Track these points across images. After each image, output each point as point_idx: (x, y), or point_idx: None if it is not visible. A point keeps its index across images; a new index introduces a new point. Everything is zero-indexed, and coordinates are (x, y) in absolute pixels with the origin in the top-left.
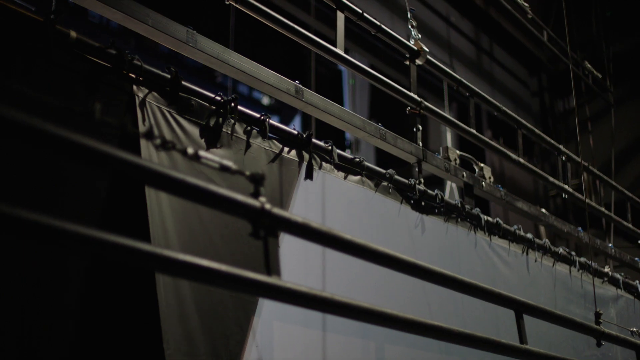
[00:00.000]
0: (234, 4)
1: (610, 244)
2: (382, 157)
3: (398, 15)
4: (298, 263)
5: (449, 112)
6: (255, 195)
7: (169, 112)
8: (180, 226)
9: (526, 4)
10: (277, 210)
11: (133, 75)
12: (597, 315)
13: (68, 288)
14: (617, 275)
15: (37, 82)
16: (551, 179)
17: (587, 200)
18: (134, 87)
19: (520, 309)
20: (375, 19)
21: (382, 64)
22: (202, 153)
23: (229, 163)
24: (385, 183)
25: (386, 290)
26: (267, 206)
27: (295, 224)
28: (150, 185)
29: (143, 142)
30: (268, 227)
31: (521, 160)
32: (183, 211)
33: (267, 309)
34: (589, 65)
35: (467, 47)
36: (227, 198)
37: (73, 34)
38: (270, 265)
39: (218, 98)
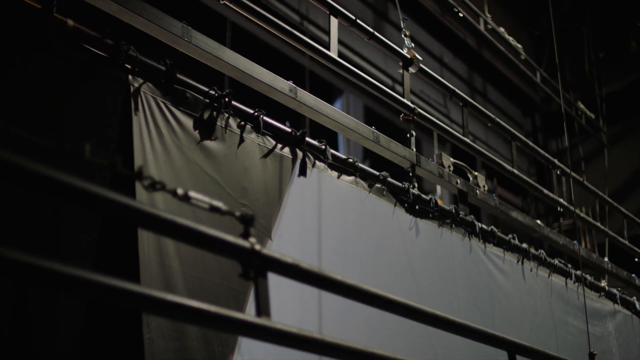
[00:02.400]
0: (228, 3)
1: (606, 259)
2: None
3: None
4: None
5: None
6: (245, 236)
7: (163, 102)
8: (171, 211)
9: (519, 45)
10: (267, 251)
11: (129, 66)
12: (591, 357)
13: None
14: (614, 290)
15: (34, 69)
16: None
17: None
18: (130, 77)
19: (513, 349)
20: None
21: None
22: (192, 194)
23: (218, 204)
24: (378, 185)
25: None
26: (257, 247)
27: (285, 265)
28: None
29: (136, 131)
30: (258, 268)
31: (515, 171)
32: (174, 203)
33: None
34: (582, 106)
35: (461, 87)
36: (217, 239)
37: (70, 22)
38: (261, 305)
39: (212, 92)
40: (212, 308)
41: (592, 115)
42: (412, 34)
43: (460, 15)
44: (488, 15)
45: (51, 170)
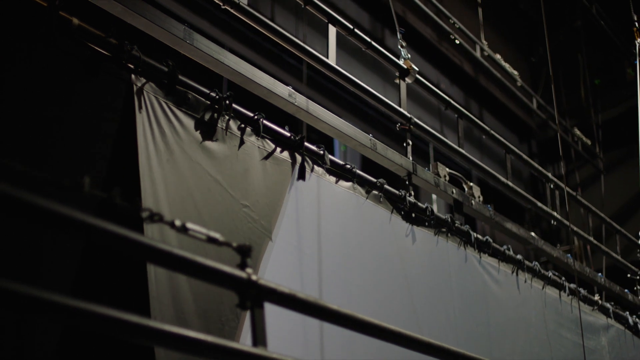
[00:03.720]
0: (229, 9)
1: (600, 274)
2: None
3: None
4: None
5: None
6: (242, 266)
7: (165, 102)
8: (175, 209)
9: (515, 72)
10: (263, 281)
11: (131, 66)
12: None
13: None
14: (607, 305)
15: (39, 62)
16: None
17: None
18: (133, 76)
19: None
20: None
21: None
22: (189, 225)
23: (215, 235)
24: (376, 192)
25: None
26: (254, 277)
27: (282, 295)
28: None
29: (140, 129)
30: (254, 298)
31: (509, 183)
32: (176, 197)
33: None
34: (578, 132)
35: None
36: (214, 269)
37: (75, 20)
38: (257, 335)
39: (213, 94)
40: (209, 338)
41: (589, 142)
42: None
43: (457, 42)
44: (484, 42)
45: (36, 198)
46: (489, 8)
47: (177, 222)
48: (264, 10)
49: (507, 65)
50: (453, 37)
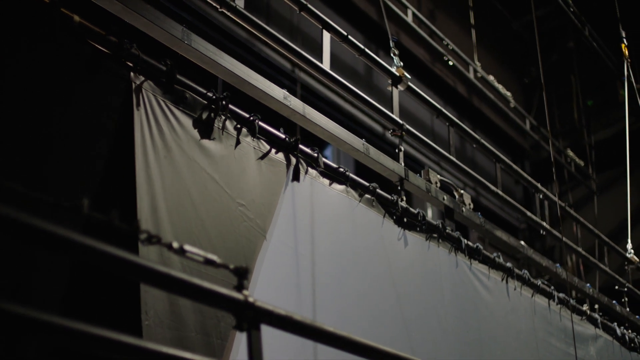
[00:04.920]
0: (226, 12)
1: (588, 284)
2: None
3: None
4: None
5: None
6: (239, 288)
7: (163, 101)
8: (171, 205)
9: (508, 93)
10: (260, 303)
11: (130, 64)
12: None
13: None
14: (595, 315)
15: (41, 61)
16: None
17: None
18: (132, 74)
19: None
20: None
21: None
22: (187, 247)
23: (213, 257)
24: (368, 195)
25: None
26: (251, 299)
27: (279, 317)
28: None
29: (137, 126)
30: (251, 320)
31: (499, 192)
32: (173, 193)
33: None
34: (571, 153)
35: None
36: (211, 291)
37: (76, 18)
38: (254, 357)
39: (210, 94)
40: (197, 357)
41: (582, 163)
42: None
43: (450, 63)
44: (477, 63)
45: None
46: (482, 29)
47: (175, 245)
48: (259, 16)
49: (500, 87)
50: (446, 59)
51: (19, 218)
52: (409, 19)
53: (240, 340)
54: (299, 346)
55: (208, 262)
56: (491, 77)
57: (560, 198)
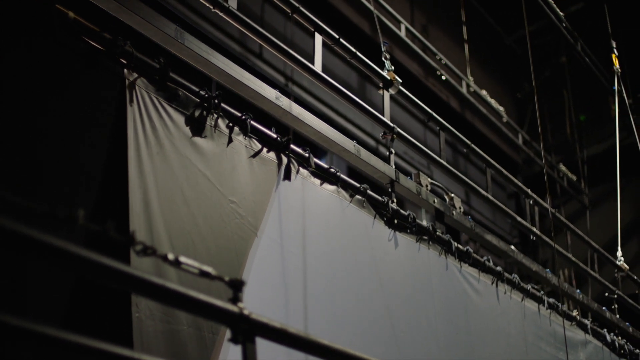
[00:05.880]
0: (219, 12)
1: (578, 290)
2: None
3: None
4: None
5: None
6: (234, 300)
7: (156, 98)
8: (163, 200)
9: (501, 108)
10: (255, 316)
11: (124, 61)
12: None
13: None
14: (585, 321)
15: (37, 52)
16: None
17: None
18: (125, 70)
19: None
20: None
21: None
22: (182, 259)
23: (208, 269)
24: (359, 197)
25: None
26: (246, 312)
27: (273, 330)
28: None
29: (130, 121)
30: (246, 333)
31: (489, 196)
32: (166, 188)
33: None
34: (564, 168)
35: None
36: (206, 304)
37: (71, 14)
38: None
39: (202, 93)
40: None
41: (574, 178)
42: (396, 96)
43: (443, 78)
44: (470, 78)
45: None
46: (475, 44)
47: (170, 256)
48: (253, 18)
49: (493, 101)
50: (439, 73)
51: (11, 228)
52: (402, 33)
53: None
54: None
55: (203, 274)
56: (484, 92)
57: (553, 223)
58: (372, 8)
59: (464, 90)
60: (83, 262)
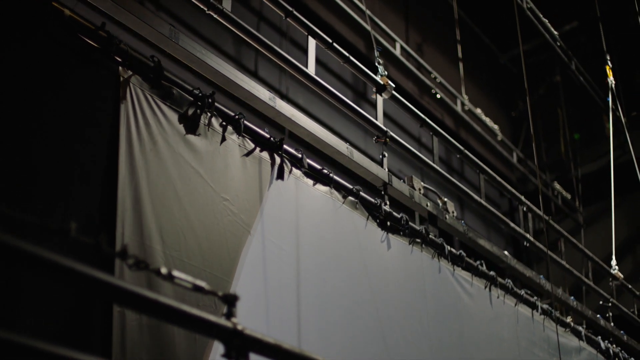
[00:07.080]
0: (213, 14)
1: (572, 297)
2: None
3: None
4: None
5: None
6: (228, 316)
7: (151, 96)
8: (155, 196)
9: (496, 126)
10: (249, 331)
11: (119, 59)
12: None
13: None
14: (579, 328)
15: (32, 53)
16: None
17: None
18: (120, 68)
19: None
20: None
21: None
22: (175, 273)
23: (202, 283)
24: (352, 198)
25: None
26: (240, 327)
27: (267, 345)
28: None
29: (123, 118)
30: (240, 348)
31: (482, 202)
32: (158, 184)
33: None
34: (558, 186)
35: (439, 166)
36: (200, 318)
37: (67, 12)
38: None
39: (196, 92)
40: None
41: (569, 196)
42: (391, 114)
43: (438, 96)
44: (465, 96)
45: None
46: (469, 63)
47: (163, 270)
48: (250, 22)
49: (487, 120)
50: (434, 92)
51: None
52: (397, 52)
53: None
54: None
55: (197, 288)
56: (479, 110)
57: (547, 231)
58: (368, 28)
59: (458, 108)
60: (73, 274)
